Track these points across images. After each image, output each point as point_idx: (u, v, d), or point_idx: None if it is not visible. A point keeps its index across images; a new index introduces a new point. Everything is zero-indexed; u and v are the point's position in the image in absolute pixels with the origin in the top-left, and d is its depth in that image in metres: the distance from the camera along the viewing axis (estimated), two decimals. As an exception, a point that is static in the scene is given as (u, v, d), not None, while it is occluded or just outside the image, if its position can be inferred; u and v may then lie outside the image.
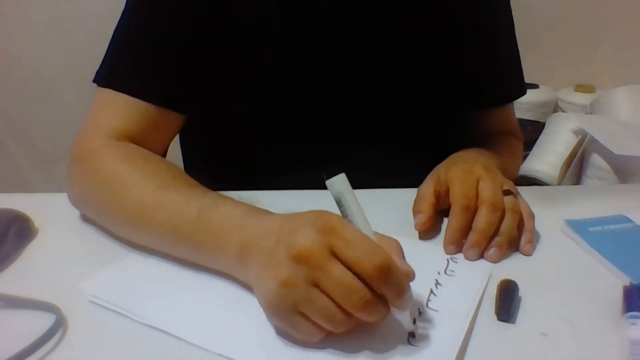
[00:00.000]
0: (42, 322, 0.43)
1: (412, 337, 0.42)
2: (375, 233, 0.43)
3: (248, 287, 0.47)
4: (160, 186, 0.53)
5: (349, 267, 0.39)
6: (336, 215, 0.42)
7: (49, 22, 1.68)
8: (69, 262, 0.54)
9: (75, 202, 0.61)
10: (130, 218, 0.53)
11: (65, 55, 1.65)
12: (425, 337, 0.43)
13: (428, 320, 0.45)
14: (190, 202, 0.51)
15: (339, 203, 0.42)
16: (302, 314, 0.40)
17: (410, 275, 0.41)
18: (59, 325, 0.43)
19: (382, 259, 0.39)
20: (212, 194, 0.52)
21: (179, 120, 0.66)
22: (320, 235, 0.39)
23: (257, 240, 0.44)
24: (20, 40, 1.70)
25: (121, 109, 0.61)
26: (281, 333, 0.43)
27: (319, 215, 0.42)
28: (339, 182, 0.42)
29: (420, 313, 0.45)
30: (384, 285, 0.39)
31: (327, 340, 0.41)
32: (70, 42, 1.63)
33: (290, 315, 0.40)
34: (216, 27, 0.63)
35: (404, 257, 0.42)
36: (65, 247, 0.57)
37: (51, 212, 0.62)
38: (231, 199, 0.51)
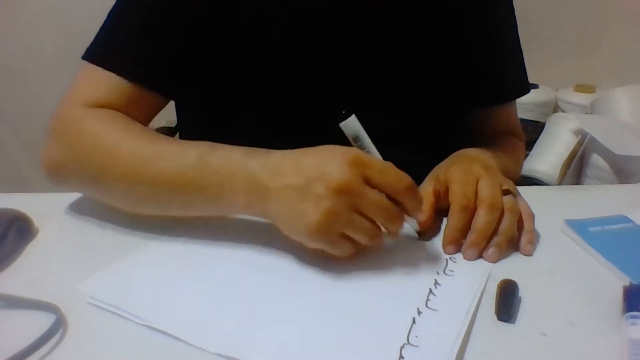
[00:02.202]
0: (42, 322, 0.43)
1: (419, 236, 0.55)
2: None
3: (264, 219, 0.52)
4: (152, 139, 0.55)
5: (382, 191, 0.47)
6: (356, 148, 0.49)
7: (50, 21, 1.68)
8: (69, 262, 0.54)
9: (54, 172, 0.60)
10: (125, 174, 0.54)
11: (66, 54, 1.65)
12: (424, 337, 0.43)
13: (427, 321, 0.45)
14: (185, 150, 0.53)
15: (356, 140, 0.50)
16: (343, 235, 0.48)
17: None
18: (59, 325, 0.43)
19: (408, 180, 0.48)
20: (205, 142, 0.54)
21: (160, 100, 0.66)
22: (353, 167, 0.46)
23: (272, 177, 0.49)
24: (21, 39, 1.70)
25: (102, 81, 0.61)
26: (279, 331, 0.43)
27: (344, 150, 0.48)
28: (354, 122, 0.49)
29: (419, 313, 0.45)
30: (410, 199, 0.49)
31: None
32: (71, 41, 1.63)
33: (333, 238, 0.48)
34: (216, 18, 0.63)
35: None
36: (65, 247, 0.57)
37: (51, 212, 0.62)
38: (226, 144, 0.54)
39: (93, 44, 0.64)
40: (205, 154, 0.52)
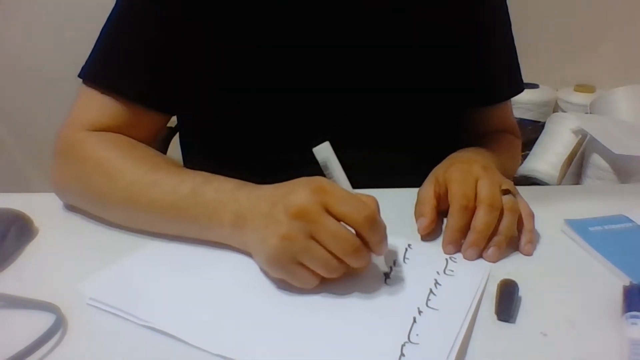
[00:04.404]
0: (42, 322, 0.43)
1: (387, 277, 0.50)
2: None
3: (245, 252, 0.52)
4: (152, 168, 0.57)
5: (340, 220, 0.45)
6: (325, 178, 0.48)
7: (51, 21, 1.68)
8: (69, 262, 0.54)
9: (61, 191, 0.62)
10: (124, 199, 0.56)
11: (66, 54, 1.64)
12: (425, 335, 0.43)
13: (428, 319, 0.45)
14: (183, 180, 0.54)
15: (325, 167, 0.49)
16: (300, 264, 0.45)
17: (386, 227, 0.48)
18: (59, 325, 0.43)
19: (370, 211, 0.45)
20: (202, 172, 0.56)
21: (161, 118, 0.67)
22: (314, 194, 0.45)
23: (251, 207, 0.49)
24: (21, 39, 1.70)
25: (102, 104, 0.62)
26: (279, 332, 0.43)
27: (310, 179, 0.47)
28: (325, 149, 0.48)
29: (420, 312, 0.45)
30: (370, 233, 0.46)
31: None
32: (72, 41, 1.63)
33: (289, 266, 0.46)
34: (206, 30, 0.63)
35: (379, 212, 0.48)
36: (65, 247, 0.57)
37: (51, 212, 0.62)
38: (220, 176, 0.55)
39: (89, 63, 0.64)
40: (199, 185, 0.53)
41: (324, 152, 0.48)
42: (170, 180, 0.55)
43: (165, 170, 0.56)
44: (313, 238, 0.45)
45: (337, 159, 0.49)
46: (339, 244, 0.45)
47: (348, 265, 0.46)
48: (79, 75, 0.64)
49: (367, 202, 0.47)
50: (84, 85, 0.64)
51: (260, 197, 0.50)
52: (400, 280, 0.50)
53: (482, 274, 0.51)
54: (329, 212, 0.45)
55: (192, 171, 0.57)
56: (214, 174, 0.55)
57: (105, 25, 0.64)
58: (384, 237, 0.47)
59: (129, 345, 0.43)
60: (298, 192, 0.46)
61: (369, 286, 0.48)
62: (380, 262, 0.50)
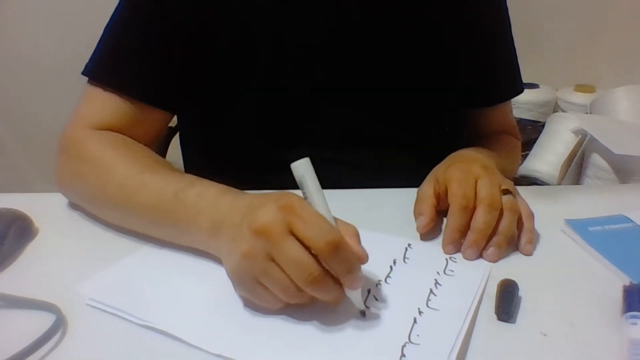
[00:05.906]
0: (42, 322, 0.43)
1: (362, 316, 0.45)
2: (336, 219, 0.45)
3: (219, 261, 0.49)
4: (142, 170, 0.56)
5: (303, 244, 0.41)
6: (298, 196, 0.44)
7: (51, 21, 1.68)
8: (69, 262, 0.54)
9: (62, 189, 0.63)
10: (114, 201, 0.56)
11: (67, 54, 1.65)
12: (426, 336, 0.43)
13: (428, 319, 0.45)
14: (168, 183, 0.54)
15: (301, 185, 0.44)
16: (262, 284, 0.43)
17: (363, 258, 0.43)
18: (59, 325, 0.43)
19: (334, 236, 0.41)
20: (189, 176, 0.55)
21: (164, 117, 0.68)
22: (280, 213, 0.42)
23: (228, 215, 0.48)
24: (21, 39, 1.70)
25: (106, 103, 0.63)
26: (280, 332, 0.43)
27: (282, 195, 0.44)
28: (302, 165, 0.43)
29: (420, 312, 0.45)
30: (333, 261, 0.41)
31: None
32: (72, 41, 1.63)
33: (251, 285, 0.43)
34: (208, 30, 0.63)
35: (359, 242, 0.44)
36: (65, 247, 0.57)
37: (51, 212, 0.62)
38: (207, 180, 0.53)
39: (93, 61, 0.64)
40: (183, 189, 0.52)
41: (300, 169, 0.43)
42: (157, 182, 0.55)
43: (155, 173, 0.56)
44: (273, 260, 0.42)
45: (315, 178, 0.44)
46: (296, 271, 0.41)
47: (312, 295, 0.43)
48: (83, 73, 0.64)
49: (343, 229, 0.43)
50: (88, 84, 0.64)
51: (239, 206, 0.48)
52: (400, 280, 0.50)
53: (482, 274, 0.51)
54: (293, 233, 0.42)
55: (180, 174, 0.56)
56: (201, 178, 0.54)
57: (108, 24, 0.65)
58: (352, 268, 0.42)
59: (129, 345, 0.43)
60: (265, 207, 0.43)
61: (369, 287, 0.48)
62: (354, 297, 0.44)
